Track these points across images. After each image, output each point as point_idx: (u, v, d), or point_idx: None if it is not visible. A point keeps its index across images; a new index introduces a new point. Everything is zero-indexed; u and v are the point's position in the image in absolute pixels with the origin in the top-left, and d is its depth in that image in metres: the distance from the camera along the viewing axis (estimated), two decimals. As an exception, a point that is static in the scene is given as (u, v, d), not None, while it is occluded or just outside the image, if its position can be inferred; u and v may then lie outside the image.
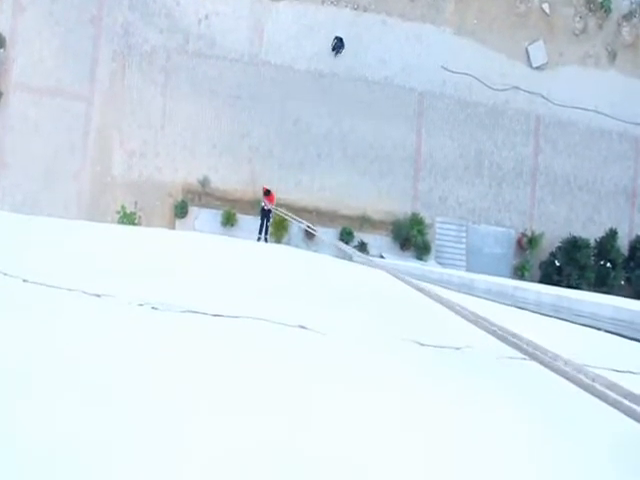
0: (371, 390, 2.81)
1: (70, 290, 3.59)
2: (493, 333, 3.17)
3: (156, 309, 3.41)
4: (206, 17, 23.25)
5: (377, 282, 6.86)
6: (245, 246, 11.78)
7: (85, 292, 3.55)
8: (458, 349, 3.66)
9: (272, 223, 21.50)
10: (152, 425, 2.07)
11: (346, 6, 23.98)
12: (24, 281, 3.76)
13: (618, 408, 2.16)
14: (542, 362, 2.69)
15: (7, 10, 22.11)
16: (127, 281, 4.27)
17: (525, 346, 2.88)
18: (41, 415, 2.01)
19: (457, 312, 3.71)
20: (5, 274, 3.87)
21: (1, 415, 1.98)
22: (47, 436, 1.89)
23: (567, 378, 2.47)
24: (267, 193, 20.46)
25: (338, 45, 23.58)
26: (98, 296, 3.51)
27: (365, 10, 24.09)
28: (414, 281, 5.19)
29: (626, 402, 2.13)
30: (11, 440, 1.84)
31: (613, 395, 2.19)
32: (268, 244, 19.51)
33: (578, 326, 6.07)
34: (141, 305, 3.44)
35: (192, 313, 3.41)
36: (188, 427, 2.08)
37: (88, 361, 2.57)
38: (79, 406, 2.10)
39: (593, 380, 2.32)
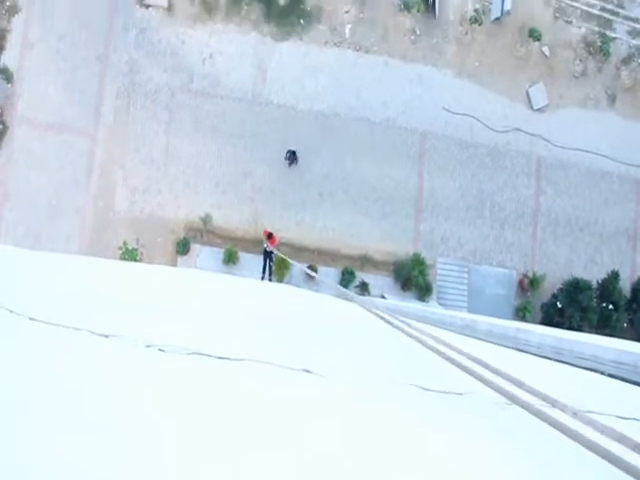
0: (373, 434, 2.81)
1: (77, 329, 3.59)
2: (492, 386, 3.17)
3: (163, 351, 3.42)
4: (210, 56, 23.57)
5: (380, 324, 6.86)
6: (248, 285, 11.79)
7: (92, 332, 3.56)
8: (461, 395, 3.66)
9: (275, 264, 21.55)
10: (157, 467, 2.08)
11: (348, 47, 24.33)
12: (31, 319, 3.75)
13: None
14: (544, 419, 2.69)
15: (16, 46, 22.49)
16: (133, 320, 4.28)
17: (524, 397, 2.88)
18: (45, 456, 2.02)
19: (452, 362, 3.70)
20: (12, 311, 3.86)
21: (3, 451, 1.98)
22: (48, 477, 1.90)
23: (569, 434, 2.47)
24: (269, 236, 20.59)
25: (292, 158, 23.62)
26: (106, 336, 3.52)
27: (367, 51, 24.43)
28: (410, 329, 5.20)
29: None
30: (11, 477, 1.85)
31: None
32: (270, 283, 19.52)
33: (580, 370, 6.05)
34: (148, 346, 3.45)
35: (198, 355, 3.42)
36: (192, 469, 2.09)
37: (95, 401, 2.57)
38: (85, 447, 2.11)
39: (602, 432, 2.31)
